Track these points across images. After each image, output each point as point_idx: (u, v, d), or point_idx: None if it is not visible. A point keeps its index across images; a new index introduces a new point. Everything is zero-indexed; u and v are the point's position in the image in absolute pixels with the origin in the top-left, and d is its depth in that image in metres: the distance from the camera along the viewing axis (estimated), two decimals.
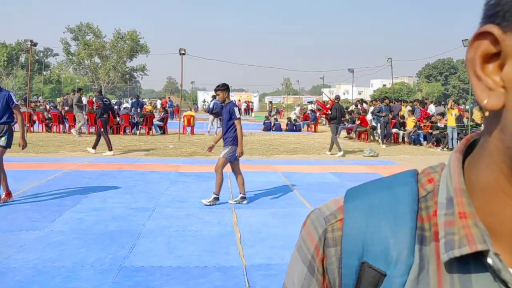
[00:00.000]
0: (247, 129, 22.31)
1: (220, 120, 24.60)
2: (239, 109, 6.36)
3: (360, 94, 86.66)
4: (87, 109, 20.02)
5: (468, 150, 0.51)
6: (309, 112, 24.49)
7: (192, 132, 18.48)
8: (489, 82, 0.42)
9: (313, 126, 22.10)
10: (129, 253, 4.26)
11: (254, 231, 5.07)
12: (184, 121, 18.47)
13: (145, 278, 3.70)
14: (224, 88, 6.39)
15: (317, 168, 9.76)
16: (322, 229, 0.55)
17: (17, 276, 3.68)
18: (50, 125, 18.23)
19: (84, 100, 33.17)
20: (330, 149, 12.45)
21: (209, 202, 6.20)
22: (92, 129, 17.66)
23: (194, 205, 6.24)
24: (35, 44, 16.52)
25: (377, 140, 16.47)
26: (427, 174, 0.53)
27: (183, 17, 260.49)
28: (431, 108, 18.19)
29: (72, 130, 16.70)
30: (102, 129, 11.62)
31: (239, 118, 6.33)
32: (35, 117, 18.66)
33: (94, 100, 13.79)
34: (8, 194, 6.10)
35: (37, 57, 67.13)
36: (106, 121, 11.75)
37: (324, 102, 21.65)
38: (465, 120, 14.97)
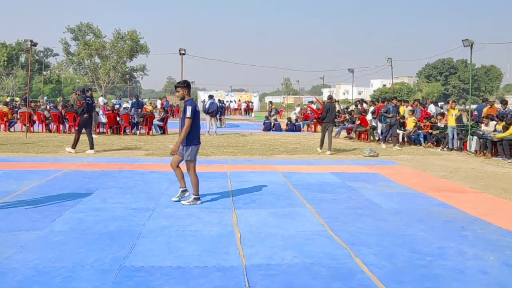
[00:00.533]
0: (247, 129, 22.34)
1: (220, 120, 24.73)
2: (196, 109, 6.14)
3: (360, 94, 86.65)
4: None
5: None
6: (309, 111, 24.47)
7: None
8: None
9: (313, 126, 22.10)
10: (129, 253, 4.26)
11: (254, 231, 5.07)
12: None
13: (145, 278, 3.70)
14: (184, 85, 6.24)
15: (317, 168, 9.77)
16: None
17: (17, 276, 3.68)
18: (50, 125, 18.23)
19: None
20: (330, 149, 12.56)
21: (188, 202, 6.19)
22: (97, 129, 17.66)
23: (194, 205, 6.24)
24: (35, 44, 16.51)
25: (377, 140, 16.46)
26: None
27: (183, 17, 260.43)
28: (431, 108, 18.18)
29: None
30: (77, 128, 11.86)
31: (190, 118, 6.04)
32: (35, 117, 18.66)
33: (78, 98, 13.82)
34: None
35: (37, 57, 67.15)
36: (85, 120, 11.68)
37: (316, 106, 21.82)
38: (464, 119, 14.97)
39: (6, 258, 4.06)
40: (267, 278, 3.76)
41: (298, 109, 28.95)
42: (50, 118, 18.19)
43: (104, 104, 30.50)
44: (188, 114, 6.03)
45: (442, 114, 15.57)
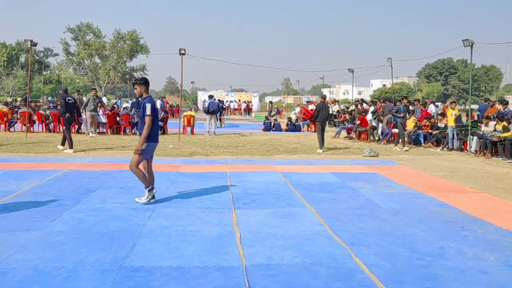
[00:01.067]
0: (247, 129, 22.35)
1: (220, 120, 24.70)
2: (154, 106, 6.07)
3: (360, 94, 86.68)
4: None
5: None
6: (303, 112, 24.49)
7: (192, 132, 18.48)
8: None
9: (313, 126, 22.08)
10: (129, 253, 4.26)
11: (254, 231, 5.07)
12: (184, 121, 18.48)
13: (145, 278, 3.70)
14: (141, 82, 6.15)
15: (317, 168, 9.77)
16: None
17: (17, 276, 3.68)
18: (50, 125, 18.23)
19: (85, 100, 33.15)
20: (321, 147, 13.02)
21: (146, 199, 6.14)
22: (92, 129, 17.66)
23: (194, 205, 6.24)
24: (35, 44, 16.51)
25: (377, 140, 16.46)
26: None
27: (183, 17, 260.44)
28: (431, 108, 18.18)
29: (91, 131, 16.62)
30: (64, 127, 12.11)
31: (150, 115, 5.97)
32: (35, 117, 18.66)
33: (58, 98, 14.07)
34: None
35: (37, 57, 67.13)
36: (68, 120, 11.98)
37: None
38: (464, 119, 14.97)
39: (6, 258, 4.07)
40: (267, 278, 3.76)
41: (298, 109, 28.95)
42: (50, 118, 18.18)
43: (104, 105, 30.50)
44: (148, 111, 5.96)
45: (442, 114, 15.57)
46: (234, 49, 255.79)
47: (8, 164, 9.51)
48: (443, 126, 14.96)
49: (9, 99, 32.63)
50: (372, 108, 19.37)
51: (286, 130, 21.73)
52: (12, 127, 18.46)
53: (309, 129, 22.43)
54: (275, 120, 24.22)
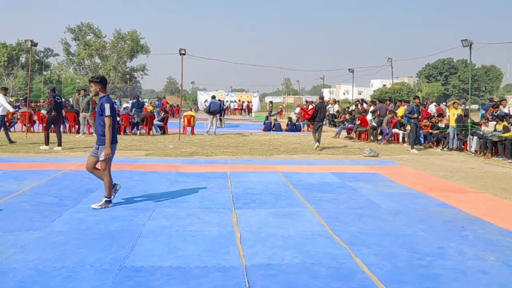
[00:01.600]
0: (247, 129, 22.35)
1: (220, 120, 24.70)
2: (113, 106, 5.83)
3: (360, 94, 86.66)
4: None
5: None
6: (301, 112, 24.48)
7: (192, 132, 18.48)
8: None
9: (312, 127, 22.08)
10: (130, 253, 4.27)
11: (254, 231, 5.07)
12: (184, 121, 18.48)
13: (146, 278, 3.70)
14: (97, 80, 5.91)
15: (317, 168, 9.77)
16: None
17: (17, 276, 3.69)
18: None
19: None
20: (319, 143, 13.42)
21: (99, 205, 5.93)
22: (92, 129, 17.68)
23: (195, 205, 6.25)
24: (35, 44, 16.51)
25: (377, 140, 16.45)
26: None
27: (183, 17, 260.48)
28: (432, 108, 18.18)
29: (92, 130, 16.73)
30: (45, 125, 12.47)
31: (109, 116, 5.75)
32: (35, 117, 18.65)
33: (47, 97, 14.25)
34: None
35: (37, 57, 67.12)
36: (53, 118, 12.26)
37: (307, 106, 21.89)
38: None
39: (6, 258, 4.07)
40: (267, 278, 3.76)
41: (298, 109, 28.95)
42: (14, 115, 18.18)
43: None
44: (108, 112, 5.75)
45: (442, 115, 15.57)
46: (234, 49, 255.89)
47: (8, 164, 9.51)
48: (443, 126, 14.95)
49: (11, 99, 32.61)
50: (372, 108, 19.38)
51: (286, 130, 21.73)
52: (12, 127, 18.46)
53: (309, 129, 22.40)
54: (275, 120, 24.21)
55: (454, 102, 14.74)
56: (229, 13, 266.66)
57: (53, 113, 12.15)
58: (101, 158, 5.91)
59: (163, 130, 18.60)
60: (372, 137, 16.71)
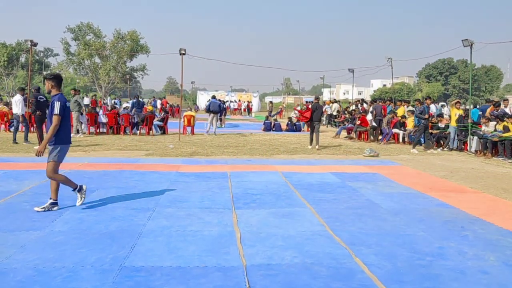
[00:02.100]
0: (247, 129, 22.35)
1: (221, 120, 24.72)
2: (65, 105, 5.61)
3: (360, 94, 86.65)
4: (87, 109, 20.07)
5: None
6: (298, 114, 24.49)
7: (192, 132, 18.49)
8: None
9: None
10: (130, 253, 4.27)
11: (254, 231, 5.07)
12: (184, 121, 18.48)
13: (146, 278, 3.70)
14: (51, 77, 5.72)
15: (317, 168, 9.77)
16: None
17: (17, 276, 3.69)
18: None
19: (86, 100, 33.20)
20: (318, 143, 13.75)
21: (42, 208, 5.72)
22: (92, 129, 17.70)
23: (195, 205, 6.24)
24: (35, 44, 16.52)
25: (377, 140, 16.44)
26: None
27: (183, 17, 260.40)
28: (432, 108, 18.17)
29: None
30: (35, 125, 12.72)
31: (58, 115, 5.51)
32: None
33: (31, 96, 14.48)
34: None
35: (37, 57, 67.10)
36: (38, 117, 12.46)
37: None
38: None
39: (6, 258, 4.07)
40: (267, 278, 3.76)
41: (298, 108, 28.95)
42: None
43: (104, 104, 30.54)
44: (56, 110, 5.51)
45: (442, 115, 15.56)
46: (234, 49, 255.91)
47: (8, 164, 9.51)
48: (443, 126, 14.95)
49: (11, 99, 32.62)
50: (372, 108, 19.36)
51: (286, 130, 21.73)
52: (12, 127, 18.43)
53: (309, 129, 22.41)
54: (275, 120, 24.21)
55: (457, 102, 14.75)
56: (229, 13, 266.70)
57: (37, 113, 12.36)
58: (52, 159, 5.66)
59: (163, 130, 18.61)
60: (372, 137, 16.72)
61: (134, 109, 18.52)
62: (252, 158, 11.35)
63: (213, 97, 20.00)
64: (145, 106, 20.14)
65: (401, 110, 17.45)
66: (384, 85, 76.40)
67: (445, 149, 14.07)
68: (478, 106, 17.19)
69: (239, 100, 49.21)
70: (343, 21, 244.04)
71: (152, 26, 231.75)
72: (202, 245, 4.57)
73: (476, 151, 13.06)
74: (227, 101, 43.81)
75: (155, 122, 18.37)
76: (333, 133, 19.36)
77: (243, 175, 8.66)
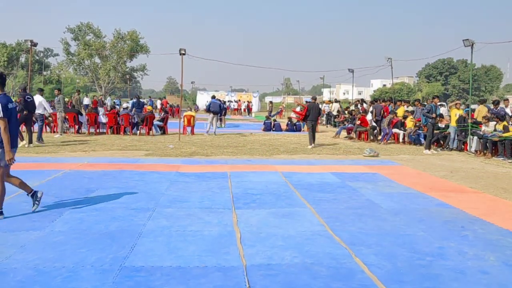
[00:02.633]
0: (247, 129, 22.34)
1: (221, 120, 24.71)
2: (7, 106, 5.14)
3: (360, 94, 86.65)
4: (87, 109, 20.07)
5: None
6: (295, 115, 24.48)
7: (192, 132, 18.48)
8: None
9: None
10: (130, 253, 4.27)
11: (254, 231, 5.07)
12: (184, 121, 18.48)
13: (146, 278, 3.70)
14: None
15: (317, 168, 9.77)
16: None
17: (17, 276, 3.69)
18: (50, 125, 18.23)
19: (86, 100, 33.17)
20: (313, 142, 14.05)
21: (36, 204, 5.61)
22: (92, 129, 17.69)
23: (195, 205, 6.24)
24: (35, 44, 16.55)
25: (377, 140, 16.44)
26: None
27: (183, 17, 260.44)
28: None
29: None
30: (25, 125, 12.87)
31: (2, 118, 5.07)
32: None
33: (18, 96, 14.57)
34: None
35: (37, 57, 67.10)
36: (25, 117, 12.59)
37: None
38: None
39: (6, 258, 4.07)
40: (267, 278, 3.76)
41: (298, 108, 28.95)
42: (50, 118, 18.17)
43: (104, 104, 30.54)
44: (1, 113, 5.06)
45: (442, 115, 15.56)
46: (234, 49, 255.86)
47: None
48: (443, 126, 14.95)
49: (13, 99, 32.67)
50: (372, 108, 19.36)
51: (286, 130, 21.73)
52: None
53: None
54: (275, 120, 24.20)
55: (456, 103, 14.76)
56: (229, 13, 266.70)
57: (24, 112, 12.48)
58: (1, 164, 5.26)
59: (163, 130, 18.60)
60: (372, 137, 16.72)
61: (134, 109, 18.53)
62: (252, 158, 11.35)
63: (213, 97, 20.02)
64: (145, 106, 20.14)
65: (401, 110, 17.46)
66: (384, 85, 76.43)
67: (444, 149, 14.06)
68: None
69: (239, 100, 49.20)
70: (343, 21, 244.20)
71: (152, 26, 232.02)
72: (202, 245, 4.57)
73: (476, 151, 13.06)
74: (227, 101, 43.83)
75: (155, 122, 18.36)
76: (333, 133, 19.36)
77: (243, 175, 8.66)
